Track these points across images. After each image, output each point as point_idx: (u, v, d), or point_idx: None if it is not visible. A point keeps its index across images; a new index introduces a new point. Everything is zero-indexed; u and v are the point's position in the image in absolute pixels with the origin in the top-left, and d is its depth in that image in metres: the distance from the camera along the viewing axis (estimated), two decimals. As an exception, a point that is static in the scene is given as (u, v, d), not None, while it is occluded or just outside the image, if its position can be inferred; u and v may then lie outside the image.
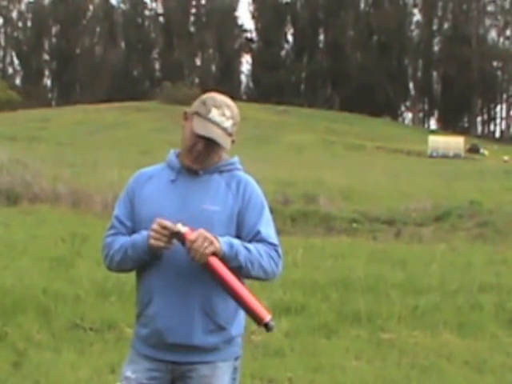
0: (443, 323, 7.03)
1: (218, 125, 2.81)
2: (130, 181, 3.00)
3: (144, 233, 2.78)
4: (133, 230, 2.90)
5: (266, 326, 2.70)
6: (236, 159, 2.99)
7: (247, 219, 2.85)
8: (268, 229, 2.88)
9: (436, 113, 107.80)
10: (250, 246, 2.79)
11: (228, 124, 2.83)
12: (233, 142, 2.89)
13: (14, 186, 16.88)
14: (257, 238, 2.84)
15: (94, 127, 59.97)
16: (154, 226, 2.72)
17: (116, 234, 2.92)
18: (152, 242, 2.72)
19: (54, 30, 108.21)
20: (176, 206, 2.84)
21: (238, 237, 2.83)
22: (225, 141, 2.83)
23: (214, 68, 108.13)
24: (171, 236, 2.71)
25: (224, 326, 2.85)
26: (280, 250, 2.87)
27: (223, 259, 2.71)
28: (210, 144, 2.82)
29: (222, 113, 2.83)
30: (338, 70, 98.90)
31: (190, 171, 2.88)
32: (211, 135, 2.80)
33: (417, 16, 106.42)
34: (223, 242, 2.72)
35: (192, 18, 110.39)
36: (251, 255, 2.76)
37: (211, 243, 2.67)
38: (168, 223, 2.71)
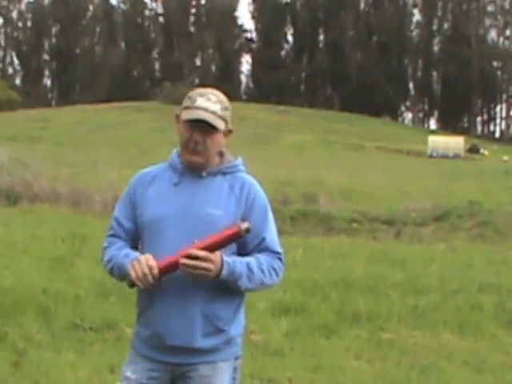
0: (443, 323, 7.03)
1: (205, 109, 2.76)
2: (131, 181, 2.95)
3: (132, 256, 2.77)
4: (134, 232, 2.89)
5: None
6: (240, 161, 2.95)
7: (252, 224, 2.80)
8: (272, 235, 2.87)
9: (436, 113, 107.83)
10: (253, 263, 2.77)
11: (216, 107, 2.78)
12: (230, 131, 2.86)
13: (14, 186, 16.89)
14: (261, 245, 2.83)
15: (94, 127, 60.01)
16: (141, 267, 2.70)
17: (113, 236, 2.91)
18: (133, 276, 2.71)
19: (54, 29, 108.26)
20: (179, 209, 2.80)
21: (243, 242, 2.81)
22: (216, 122, 2.77)
23: (213, 68, 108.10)
24: (159, 275, 2.69)
25: (224, 328, 2.83)
26: (283, 258, 2.87)
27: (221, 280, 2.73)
28: (204, 129, 2.76)
29: (207, 98, 2.78)
30: (337, 70, 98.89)
31: (193, 172, 2.84)
32: (201, 117, 2.74)
33: (417, 16, 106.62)
34: (225, 267, 2.70)
35: (192, 18, 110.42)
36: (253, 275, 2.76)
37: (206, 275, 2.68)
38: (155, 265, 2.69)
